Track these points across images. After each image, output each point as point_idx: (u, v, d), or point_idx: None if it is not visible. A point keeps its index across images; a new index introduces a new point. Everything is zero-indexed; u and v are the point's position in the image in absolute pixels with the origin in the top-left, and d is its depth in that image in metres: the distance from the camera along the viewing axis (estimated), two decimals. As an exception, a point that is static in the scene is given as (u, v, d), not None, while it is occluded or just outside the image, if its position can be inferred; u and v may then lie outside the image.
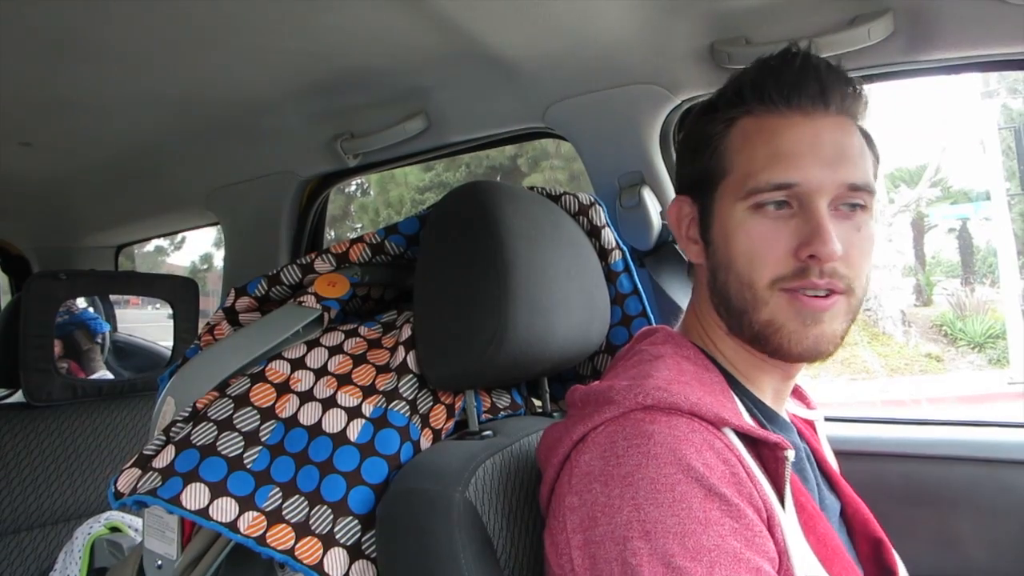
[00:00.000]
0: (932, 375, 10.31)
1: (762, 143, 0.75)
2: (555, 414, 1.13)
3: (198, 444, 0.91)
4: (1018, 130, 11.34)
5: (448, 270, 0.94)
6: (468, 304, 0.90)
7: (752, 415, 0.78)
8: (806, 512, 0.70)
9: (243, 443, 0.91)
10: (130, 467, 0.92)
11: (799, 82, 0.74)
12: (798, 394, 0.97)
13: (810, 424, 0.95)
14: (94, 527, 1.55)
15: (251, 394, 0.95)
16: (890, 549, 0.84)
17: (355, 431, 0.92)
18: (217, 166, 1.79)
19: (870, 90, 0.80)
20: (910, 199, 12.65)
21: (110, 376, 2.23)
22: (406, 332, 1.00)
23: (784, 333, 0.74)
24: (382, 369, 0.99)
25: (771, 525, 0.65)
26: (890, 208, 12.07)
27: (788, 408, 0.91)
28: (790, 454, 0.67)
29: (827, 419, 0.95)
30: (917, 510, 1.20)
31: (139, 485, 0.90)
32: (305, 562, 0.86)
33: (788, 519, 0.66)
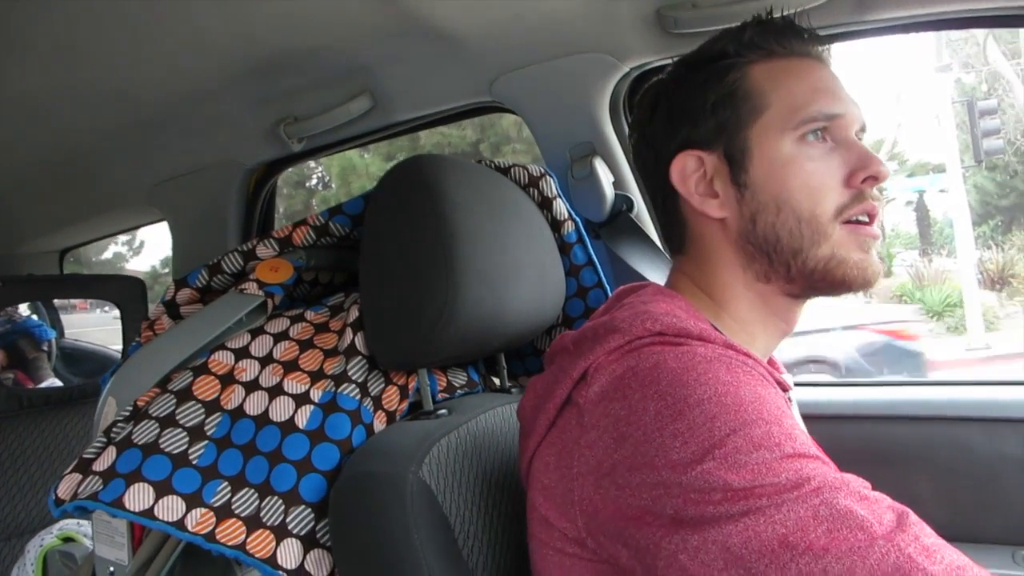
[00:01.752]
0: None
1: (798, 79, 0.78)
2: (513, 390, 1.11)
3: (140, 443, 0.87)
4: (971, 104, 11.58)
5: (392, 246, 0.91)
6: (414, 280, 0.87)
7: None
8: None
9: (187, 439, 0.88)
10: (70, 472, 0.89)
11: (806, 33, 0.80)
12: (771, 363, 0.96)
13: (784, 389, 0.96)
14: (46, 539, 1.50)
15: (194, 387, 0.91)
16: None
17: (304, 418, 0.89)
18: (157, 160, 1.73)
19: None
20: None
21: (59, 383, 2.16)
22: (354, 313, 0.97)
23: (850, 264, 0.75)
24: (330, 353, 0.96)
25: None
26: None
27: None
28: (792, 394, 0.70)
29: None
30: (876, 470, 1.18)
31: (80, 490, 0.86)
32: (257, 556, 0.83)
33: None
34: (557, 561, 0.70)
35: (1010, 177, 15.95)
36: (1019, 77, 12.51)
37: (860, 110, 0.79)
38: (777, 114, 0.77)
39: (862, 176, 0.75)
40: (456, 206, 0.88)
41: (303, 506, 0.86)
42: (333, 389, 0.92)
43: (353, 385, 0.92)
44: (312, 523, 0.86)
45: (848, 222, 0.75)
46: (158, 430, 0.87)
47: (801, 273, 0.76)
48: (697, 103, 0.81)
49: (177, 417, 0.88)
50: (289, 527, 0.85)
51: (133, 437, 0.87)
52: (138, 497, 0.83)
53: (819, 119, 0.76)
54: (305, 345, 0.96)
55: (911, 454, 1.21)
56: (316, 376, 0.93)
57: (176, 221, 1.86)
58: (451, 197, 0.88)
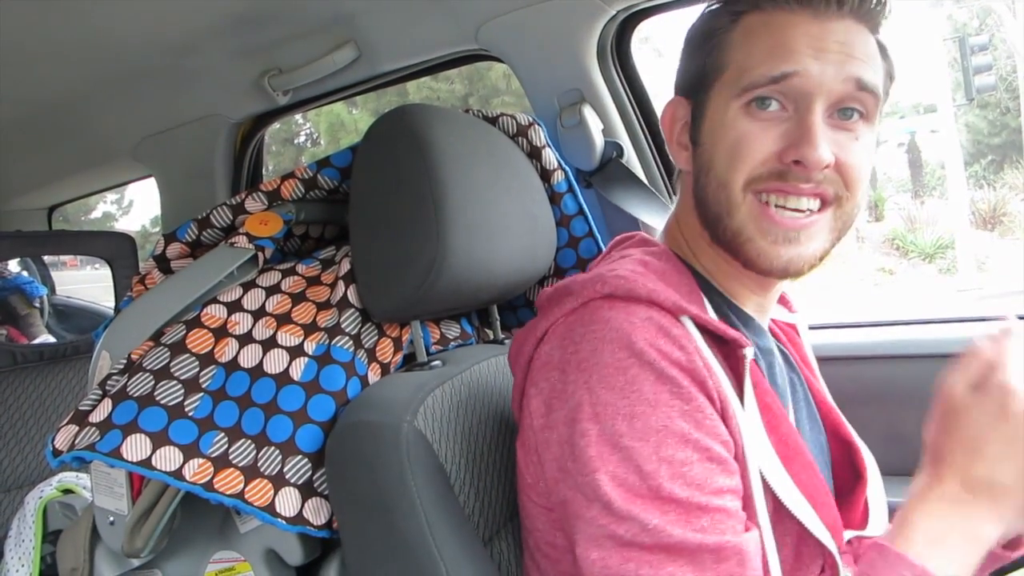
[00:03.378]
0: (886, 287, 10.58)
1: (764, 37, 0.71)
2: (506, 342, 1.12)
3: (135, 395, 0.88)
4: (962, 40, 11.46)
5: (381, 198, 0.91)
6: (403, 231, 0.87)
7: (723, 315, 0.76)
8: (770, 412, 0.70)
9: (183, 391, 0.89)
10: (66, 424, 0.90)
11: None
12: (781, 298, 0.94)
13: (793, 327, 0.94)
14: (45, 491, 1.51)
15: (188, 341, 0.92)
16: (859, 452, 0.86)
17: (298, 370, 0.90)
18: (142, 114, 1.71)
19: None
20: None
21: (52, 340, 2.17)
22: (345, 266, 0.97)
23: (753, 247, 0.71)
24: (323, 306, 0.96)
25: (725, 416, 0.65)
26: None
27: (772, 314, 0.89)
28: (748, 351, 0.67)
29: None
30: (867, 410, 1.22)
31: (77, 441, 0.88)
32: (256, 504, 0.85)
33: (746, 415, 0.67)
34: (531, 510, 0.74)
35: (1002, 114, 15.89)
36: (1010, 10, 12.33)
37: (843, 70, 0.69)
38: (730, 77, 0.72)
39: (790, 156, 0.68)
40: (444, 156, 0.87)
41: (300, 456, 0.87)
42: (327, 342, 0.92)
43: (347, 337, 0.93)
44: (309, 472, 0.88)
45: (758, 195, 0.70)
46: (153, 382, 0.88)
47: (724, 242, 0.74)
48: (687, 48, 0.79)
49: (171, 370, 0.89)
50: (287, 476, 0.86)
51: (128, 389, 0.88)
52: (135, 447, 0.85)
53: (761, 83, 0.69)
54: (297, 298, 0.96)
55: (901, 393, 1.23)
56: (309, 329, 0.93)
57: (163, 176, 1.85)
58: (439, 147, 0.87)
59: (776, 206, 0.70)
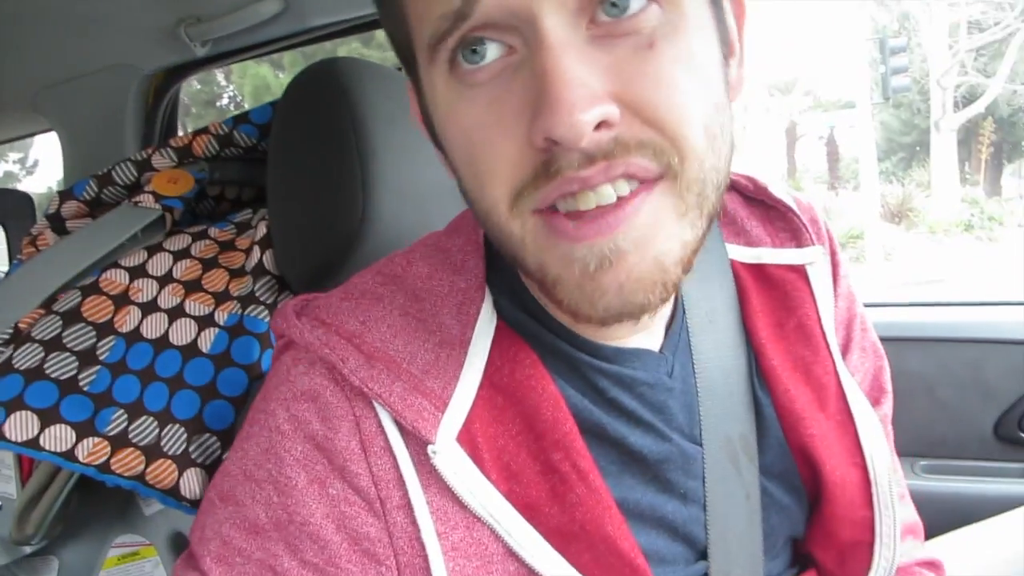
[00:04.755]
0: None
1: None
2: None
3: (21, 368, 0.80)
4: (882, 41, 11.90)
5: (302, 156, 0.84)
6: (325, 193, 0.81)
7: (539, 340, 0.56)
8: (557, 475, 0.52)
9: (77, 363, 0.81)
10: None
11: None
12: (788, 225, 0.67)
13: (799, 272, 0.64)
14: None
15: (83, 308, 0.84)
16: (827, 474, 0.61)
17: (207, 341, 0.84)
18: (43, 61, 1.56)
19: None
20: (784, 108, 13.15)
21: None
22: (262, 230, 0.90)
23: (564, 290, 0.46)
24: (236, 273, 0.89)
25: (388, 504, 0.51)
26: (766, 117, 12.50)
27: (756, 256, 0.65)
28: (432, 450, 0.49)
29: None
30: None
31: None
32: (157, 486, 0.79)
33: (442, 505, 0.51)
34: None
35: (913, 115, 16.64)
36: (928, 16, 12.89)
37: None
38: (418, 34, 0.47)
39: (538, 135, 0.41)
40: (374, 113, 0.81)
41: (208, 434, 0.81)
42: (240, 311, 0.86)
43: (261, 307, 0.87)
44: (219, 452, 0.82)
45: (542, 213, 0.45)
46: (42, 354, 0.80)
47: (540, 288, 0.50)
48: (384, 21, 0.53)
49: (64, 340, 0.81)
50: (193, 456, 0.80)
51: (14, 362, 0.80)
52: (21, 426, 0.77)
53: (444, 30, 0.43)
54: (209, 264, 0.89)
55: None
56: (221, 297, 0.87)
57: (66, 131, 1.70)
58: (368, 103, 0.81)
59: (566, 209, 0.44)
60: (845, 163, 18.45)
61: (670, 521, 0.56)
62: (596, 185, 0.43)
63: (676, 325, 0.60)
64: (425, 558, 0.50)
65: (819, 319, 0.63)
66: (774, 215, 0.67)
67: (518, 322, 0.56)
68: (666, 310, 0.60)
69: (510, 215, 0.46)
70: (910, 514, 0.69)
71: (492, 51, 0.43)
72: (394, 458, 0.51)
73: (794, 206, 0.67)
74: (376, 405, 0.51)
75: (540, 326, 0.56)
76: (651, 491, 0.56)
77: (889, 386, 0.73)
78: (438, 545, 0.50)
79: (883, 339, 1.23)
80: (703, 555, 0.57)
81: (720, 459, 0.59)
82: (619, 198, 0.43)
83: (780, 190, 0.67)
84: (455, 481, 0.50)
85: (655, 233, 0.44)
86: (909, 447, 1.24)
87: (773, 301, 0.64)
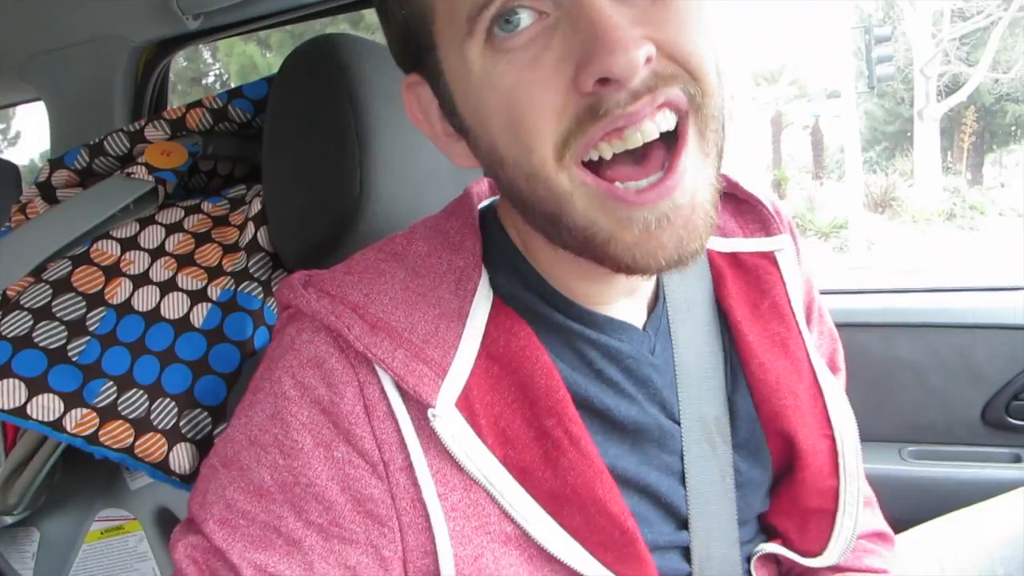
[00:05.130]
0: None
1: None
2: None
3: (9, 336, 0.79)
4: (868, 29, 11.93)
5: (298, 132, 0.84)
6: (322, 170, 0.81)
7: (533, 312, 0.58)
8: (550, 440, 0.54)
9: (66, 333, 0.80)
10: None
11: None
12: (757, 215, 0.72)
13: (766, 258, 0.70)
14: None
15: (74, 278, 0.83)
16: (800, 445, 0.64)
17: (200, 316, 0.83)
18: (32, 29, 1.53)
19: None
20: (770, 97, 13.16)
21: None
22: (256, 207, 0.90)
23: (621, 247, 0.49)
24: (230, 248, 0.89)
25: (391, 466, 0.52)
26: (752, 105, 12.51)
27: (730, 246, 0.70)
28: (432, 413, 0.51)
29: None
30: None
31: None
32: (147, 460, 0.79)
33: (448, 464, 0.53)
34: None
35: (897, 104, 16.71)
36: (912, 5, 12.93)
37: None
38: (446, 16, 0.50)
39: (588, 76, 0.45)
40: (372, 91, 0.81)
41: (199, 409, 0.81)
42: (233, 287, 0.86)
43: (255, 283, 0.87)
44: (209, 427, 0.82)
45: (592, 170, 0.48)
46: (31, 322, 0.80)
47: (576, 248, 0.52)
48: (385, 16, 0.57)
49: (54, 309, 0.81)
50: (183, 430, 0.80)
51: (1, 329, 0.79)
52: (8, 394, 0.77)
53: (482, 3, 0.47)
54: (202, 239, 0.89)
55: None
56: (214, 272, 0.86)
57: (54, 101, 1.67)
58: (367, 81, 0.81)
59: (618, 182, 0.48)
60: (830, 152, 18.54)
61: (653, 490, 0.59)
62: (642, 119, 0.47)
63: (658, 309, 0.64)
64: (427, 518, 0.52)
65: (789, 300, 0.69)
66: (744, 208, 0.72)
67: (513, 296, 0.59)
68: (648, 290, 0.64)
69: (558, 167, 0.48)
70: (864, 485, 0.71)
71: (525, 18, 0.47)
72: (396, 422, 0.52)
73: (763, 199, 0.72)
74: (379, 371, 0.53)
75: (536, 297, 0.59)
76: (634, 460, 0.58)
77: (843, 365, 0.79)
78: (439, 505, 0.52)
79: (872, 325, 1.26)
80: (684, 525, 0.60)
81: (697, 439, 0.62)
82: (660, 135, 0.48)
83: (749, 185, 0.72)
84: (453, 444, 0.52)
85: (697, 184, 0.49)
86: (897, 433, 1.25)
87: (748, 285, 0.69)
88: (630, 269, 0.50)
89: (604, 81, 0.45)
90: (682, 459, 0.61)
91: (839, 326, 1.26)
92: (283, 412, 0.52)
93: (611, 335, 0.59)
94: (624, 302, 0.61)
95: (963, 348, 1.23)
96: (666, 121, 0.48)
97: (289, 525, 0.51)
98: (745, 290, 0.68)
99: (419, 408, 0.52)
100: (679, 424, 0.61)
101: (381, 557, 0.52)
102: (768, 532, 0.68)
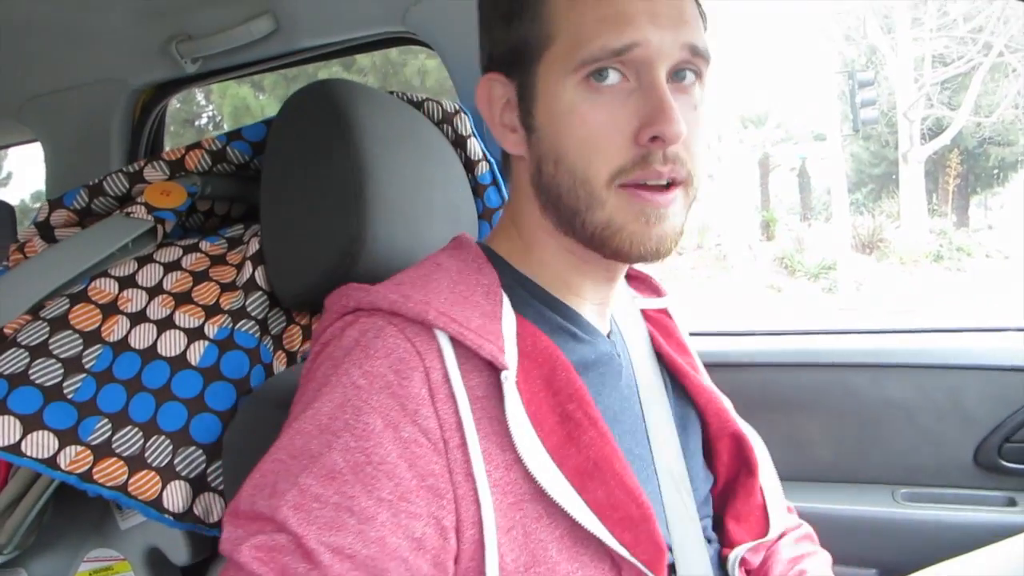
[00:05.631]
0: (775, 304, 11.09)
1: (592, 4, 0.64)
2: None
3: (6, 373, 0.79)
4: (851, 74, 12.19)
5: (298, 175, 0.86)
6: (319, 211, 0.83)
7: (542, 320, 0.70)
8: (569, 424, 0.63)
9: (62, 370, 0.81)
10: None
11: None
12: (647, 284, 0.93)
13: (664, 312, 0.90)
14: None
15: (71, 316, 0.84)
16: (749, 446, 0.81)
17: (196, 354, 0.84)
18: (31, 72, 1.56)
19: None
20: (757, 140, 13.36)
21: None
22: (254, 246, 0.91)
23: (625, 235, 0.65)
24: (227, 287, 0.90)
25: (449, 445, 0.59)
26: (739, 148, 12.69)
27: (639, 304, 0.87)
28: (505, 375, 0.61)
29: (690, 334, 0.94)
30: (773, 415, 1.26)
31: None
32: (140, 498, 0.79)
33: (499, 435, 0.61)
34: None
35: (882, 147, 16.98)
36: (893, 51, 13.22)
37: (679, 35, 0.64)
38: (562, 49, 0.65)
39: (648, 133, 0.63)
40: (368, 135, 0.83)
41: (194, 447, 0.82)
42: (230, 325, 0.86)
43: (252, 322, 0.87)
44: (203, 465, 0.82)
45: (627, 186, 0.65)
46: (28, 360, 0.80)
47: (583, 236, 0.68)
48: (498, 16, 0.70)
49: (51, 347, 0.81)
50: (177, 469, 0.80)
51: None
52: (3, 431, 0.77)
53: (601, 57, 0.63)
54: (200, 277, 0.90)
55: (804, 400, 1.27)
56: (211, 311, 0.87)
57: (51, 143, 1.69)
58: (363, 124, 0.83)
59: (642, 184, 0.65)
60: (817, 194, 18.78)
61: (641, 477, 0.68)
62: (663, 177, 0.65)
63: (614, 336, 0.78)
64: (475, 491, 0.59)
65: (685, 341, 0.89)
66: (637, 282, 0.94)
67: (526, 308, 0.70)
68: (608, 305, 0.78)
69: (604, 186, 0.65)
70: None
71: (613, 76, 0.64)
72: (456, 405, 0.60)
73: (650, 274, 0.94)
74: (445, 354, 0.61)
75: (540, 303, 0.72)
76: (624, 447, 0.67)
77: None
78: (487, 480, 0.59)
79: (861, 366, 1.27)
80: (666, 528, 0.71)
81: (667, 482, 0.73)
82: (669, 185, 0.66)
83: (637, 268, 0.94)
84: (512, 411, 0.61)
85: (678, 212, 0.67)
86: (889, 474, 1.25)
87: (658, 329, 0.87)
88: (619, 255, 0.67)
89: (655, 139, 0.63)
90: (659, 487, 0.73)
91: (828, 366, 1.28)
92: (353, 399, 0.58)
93: (591, 336, 0.73)
94: (591, 309, 0.75)
95: (953, 389, 1.23)
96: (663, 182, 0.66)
97: (362, 504, 0.55)
98: (660, 333, 0.86)
99: (476, 390, 0.61)
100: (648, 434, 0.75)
101: (441, 527, 0.57)
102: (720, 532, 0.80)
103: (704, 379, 0.86)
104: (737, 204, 12.38)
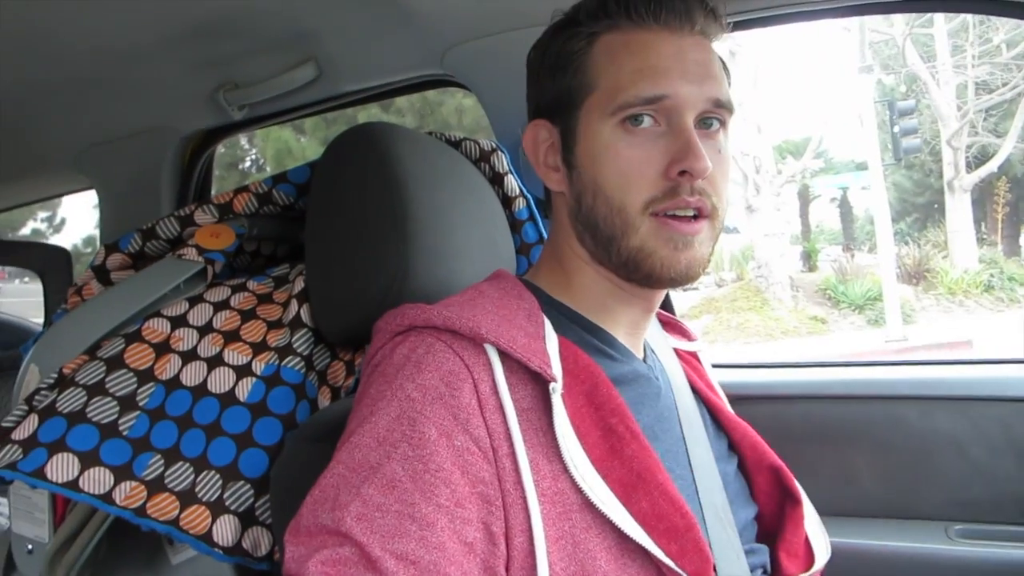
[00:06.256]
0: (818, 336, 10.88)
1: (629, 57, 0.72)
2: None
3: (65, 412, 0.82)
4: (891, 103, 12.05)
5: (341, 216, 0.88)
6: (363, 252, 0.85)
7: (581, 342, 0.74)
8: (612, 438, 0.67)
9: (118, 408, 0.84)
10: None
11: (659, 2, 0.73)
12: (679, 329, 0.98)
13: (694, 355, 0.96)
14: (-44, 518, 1.41)
15: (126, 355, 0.87)
16: (790, 476, 0.83)
17: (245, 390, 0.86)
18: (87, 123, 1.63)
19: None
20: (796, 170, 13.24)
21: (-28, 356, 2.04)
22: (299, 285, 0.94)
23: (656, 259, 0.71)
24: (274, 325, 0.92)
25: (498, 454, 0.62)
26: (778, 179, 12.59)
27: (672, 343, 0.92)
28: (554, 387, 0.65)
29: (731, 366, 0.94)
30: (817, 449, 1.23)
31: None
32: (192, 532, 0.80)
33: (548, 447, 0.64)
34: None
35: (926, 175, 16.67)
36: (934, 79, 13.04)
37: (705, 89, 0.72)
38: (602, 96, 0.73)
39: (677, 168, 0.70)
40: (408, 175, 0.85)
41: (242, 482, 0.83)
42: (277, 362, 0.89)
43: (298, 358, 0.90)
44: (251, 499, 0.83)
45: (658, 215, 0.71)
46: (85, 398, 0.83)
47: (618, 262, 0.74)
48: (545, 71, 0.79)
49: (107, 385, 0.84)
50: (227, 503, 0.82)
51: (57, 405, 0.83)
52: (61, 467, 0.79)
53: (636, 104, 0.71)
54: (247, 315, 0.92)
55: (850, 432, 1.24)
56: (259, 348, 0.90)
57: (105, 189, 1.77)
58: (404, 165, 0.86)
59: (672, 214, 0.71)
60: (859, 224, 18.48)
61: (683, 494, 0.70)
62: (690, 207, 0.71)
63: (648, 357, 0.82)
64: (524, 499, 0.61)
65: (714, 384, 0.93)
66: (668, 326, 0.97)
67: (567, 331, 0.74)
68: (644, 333, 0.82)
69: (639, 213, 0.71)
70: None
71: (646, 121, 0.71)
72: (504, 415, 0.64)
73: (680, 319, 1.00)
74: (494, 367, 0.65)
75: (579, 327, 0.76)
76: (665, 465, 0.69)
77: None
78: (534, 489, 0.61)
79: (910, 398, 1.23)
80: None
81: (711, 516, 0.73)
82: (696, 216, 0.72)
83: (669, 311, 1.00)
84: (559, 421, 0.64)
85: (705, 242, 0.73)
86: (942, 510, 1.20)
87: (691, 368, 0.91)
88: (653, 278, 0.72)
89: (683, 173, 0.69)
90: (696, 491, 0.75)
91: (876, 398, 1.25)
92: (408, 411, 0.62)
93: (627, 360, 0.77)
94: (626, 334, 0.79)
95: (1006, 421, 1.18)
96: (691, 213, 0.72)
97: (422, 510, 0.57)
98: (691, 371, 0.90)
99: (523, 402, 0.65)
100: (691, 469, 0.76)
101: (491, 533, 0.60)
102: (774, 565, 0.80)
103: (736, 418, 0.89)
104: (777, 235, 12.23)
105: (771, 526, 0.83)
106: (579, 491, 0.63)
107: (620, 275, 0.75)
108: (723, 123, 0.75)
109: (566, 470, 0.63)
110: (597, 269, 0.77)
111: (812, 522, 0.83)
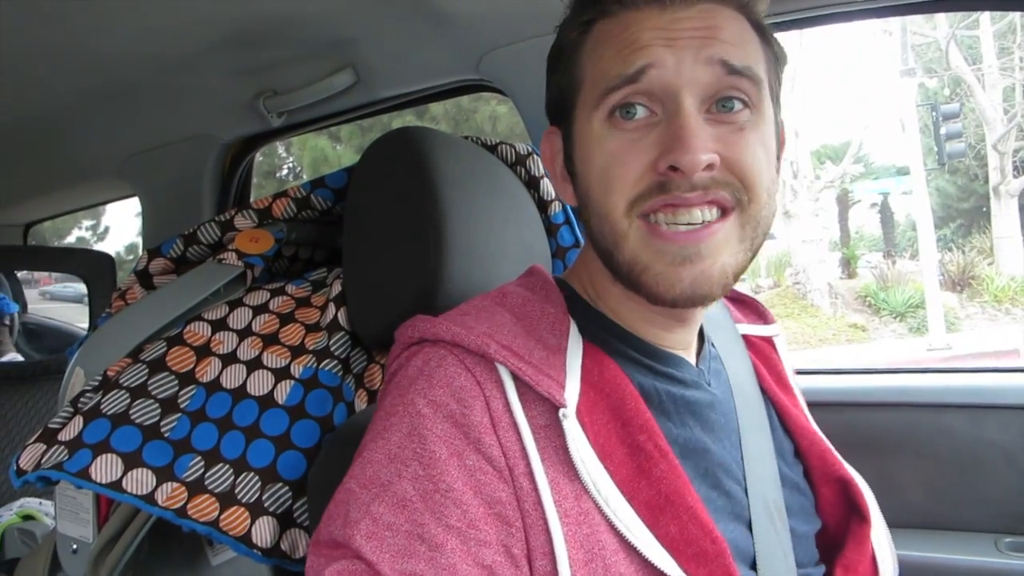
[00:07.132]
0: (858, 344, 10.68)
1: (612, 40, 0.63)
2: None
3: (109, 413, 0.84)
4: (934, 107, 11.81)
5: (378, 220, 0.89)
6: (400, 255, 0.85)
7: (618, 354, 0.68)
8: (643, 454, 0.62)
9: (160, 410, 0.85)
10: (34, 442, 0.85)
11: None
12: (753, 309, 0.90)
13: (768, 341, 0.87)
14: (4, 516, 1.45)
15: (168, 358, 0.88)
16: (859, 491, 0.77)
17: (283, 393, 0.87)
18: (129, 131, 1.67)
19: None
20: (835, 175, 13.03)
21: (21, 359, 2.10)
22: (336, 288, 0.94)
23: (651, 276, 0.62)
24: (312, 328, 0.93)
25: (514, 473, 0.59)
26: (816, 184, 12.41)
27: (743, 328, 0.85)
28: (563, 412, 0.60)
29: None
30: (860, 457, 1.19)
31: (43, 460, 0.83)
32: (231, 533, 0.81)
33: (566, 467, 0.60)
34: None
35: (970, 180, 16.28)
36: (979, 82, 12.74)
37: (703, 50, 0.61)
38: (588, 90, 0.66)
39: (664, 163, 0.60)
40: (445, 179, 0.85)
41: (281, 483, 0.84)
42: (315, 365, 0.89)
43: (335, 361, 0.90)
44: (289, 501, 0.84)
45: (645, 217, 0.62)
46: (128, 400, 0.84)
47: (622, 279, 0.66)
48: (549, 70, 0.72)
49: (149, 388, 0.85)
50: (265, 505, 0.83)
51: (102, 407, 0.84)
52: (105, 468, 0.80)
53: (616, 85, 0.62)
54: (286, 319, 0.93)
55: (896, 441, 1.21)
56: (297, 351, 0.90)
57: (148, 196, 1.81)
58: (440, 170, 0.86)
59: (667, 224, 0.62)
60: (900, 230, 18.12)
61: (726, 512, 0.66)
62: (692, 206, 0.61)
63: (705, 353, 0.76)
64: (545, 521, 0.58)
65: (788, 376, 0.85)
66: (742, 305, 0.90)
67: (595, 337, 0.69)
68: (693, 336, 0.75)
69: (623, 216, 0.63)
70: None
71: (640, 112, 0.62)
72: (518, 433, 0.60)
73: (756, 299, 0.91)
74: (505, 385, 0.61)
75: (613, 337, 0.70)
76: (705, 485, 0.66)
77: None
78: (555, 510, 0.58)
79: (958, 406, 1.20)
80: (752, 566, 0.66)
81: (760, 511, 0.69)
82: (704, 222, 0.61)
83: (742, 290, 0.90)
84: (574, 446, 0.59)
85: (724, 249, 0.63)
86: (991, 522, 1.17)
87: (760, 360, 0.83)
88: (655, 298, 0.63)
89: (673, 169, 0.60)
90: (747, 499, 0.69)
91: (923, 406, 1.21)
92: (419, 428, 0.59)
93: (671, 366, 0.71)
94: (678, 339, 0.72)
95: None
96: (711, 215, 0.62)
97: (431, 531, 0.55)
98: (763, 364, 0.83)
99: (539, 420, 0.61)
100: (742, 460, 0.71)
101: (511, 555, 0.57)
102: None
103: (809, 420, 0.82)
104: (815, 241, 12.05)
105: (834, 540, 0.78)
106: (601, 510, 0.59)
107: (632, 292, 0.66)
108: (749, 102, 0.63)
109: (588, 490, 0.60)
110: (620, 287, 0.68)
111: (882, 541, 0.77)
